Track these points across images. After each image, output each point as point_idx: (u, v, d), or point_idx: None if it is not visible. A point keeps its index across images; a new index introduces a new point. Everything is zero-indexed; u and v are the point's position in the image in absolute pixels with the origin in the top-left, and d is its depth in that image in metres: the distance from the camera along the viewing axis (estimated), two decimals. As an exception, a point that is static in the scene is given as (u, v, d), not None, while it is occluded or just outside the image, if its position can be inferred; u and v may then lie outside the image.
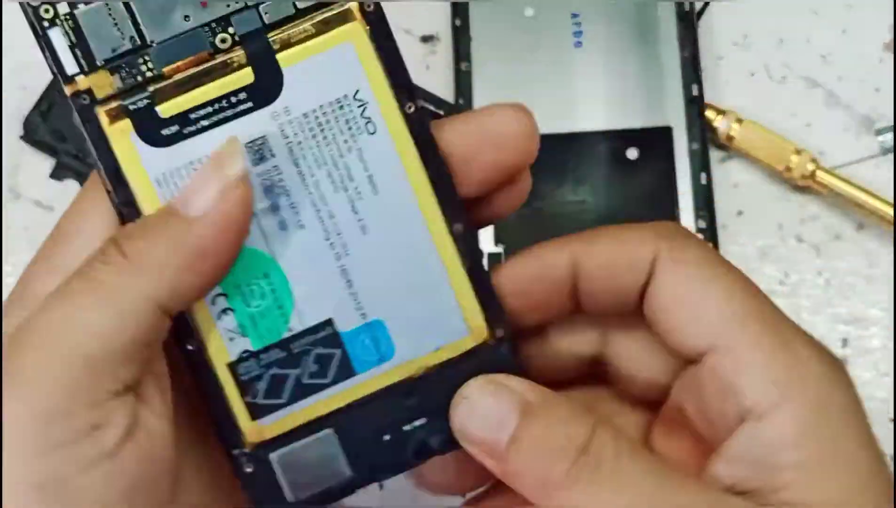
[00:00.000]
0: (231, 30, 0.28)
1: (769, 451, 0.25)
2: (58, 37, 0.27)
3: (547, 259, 0.29)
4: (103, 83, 0.28)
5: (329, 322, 0.29)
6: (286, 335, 0.29)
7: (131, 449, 0.26)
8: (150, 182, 0.28)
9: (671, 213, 0.39)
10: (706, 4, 0.42)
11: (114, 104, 0.28)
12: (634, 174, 0.36)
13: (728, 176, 0.42)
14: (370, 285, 0.29)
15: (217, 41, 0.28)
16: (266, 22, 0.28)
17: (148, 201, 0.28)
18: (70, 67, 0.27)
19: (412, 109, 0.28)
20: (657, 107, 0.40)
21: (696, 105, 0.40)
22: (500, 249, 0.39)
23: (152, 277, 0.26)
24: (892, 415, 0.40)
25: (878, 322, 0.41)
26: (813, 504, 0.24)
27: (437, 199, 0.29)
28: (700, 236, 0.38)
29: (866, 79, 0.43)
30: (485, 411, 0.27)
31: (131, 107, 0.28)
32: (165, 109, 0.28)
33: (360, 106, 0.28)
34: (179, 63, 0.28)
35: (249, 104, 0.28)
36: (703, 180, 0.39)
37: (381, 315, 0.29)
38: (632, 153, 0.39)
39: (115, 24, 0.28)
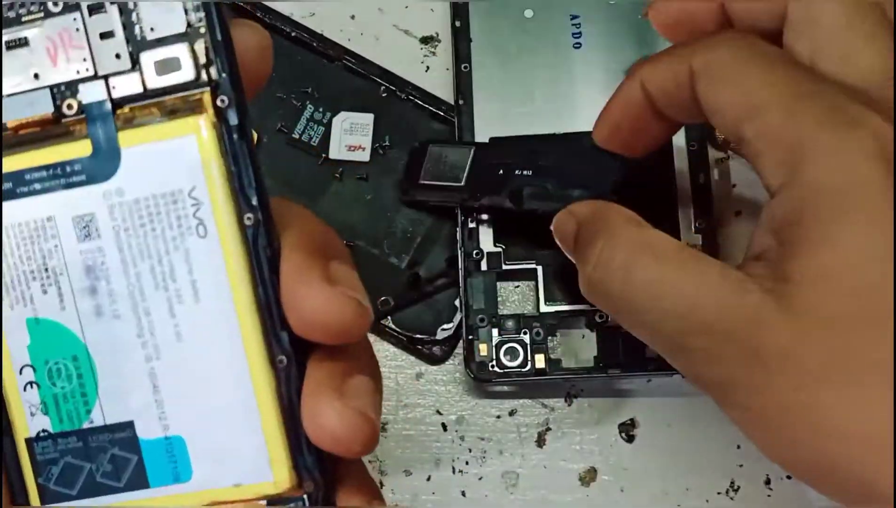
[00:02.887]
0: (79, 96, 0.26)
1: (772, 225, 0.28)
2: None
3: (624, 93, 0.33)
4: None
5: (130, 425, 0.27)
6: (86, 425, 0.28)
7: None
8: None
9: (670, 213, 0.39)
10: (705, 5, 0.42)
11: None
12: (632, 175, 0.35)
13: (727, 176, 0.42)
14: (177, 397, 0.27)
15: (64, 106, 0.26)
16: (113, 96, 0.26)
17: None
18: None
19: (251, 222, 0.26)
20: (656, 107, 0.40)
21: (694, 105, 0.40)
22: (499, 249, 0.39)
23: None
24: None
25: (877, 322, 0.41)
26: (796, 280, 0.26)
27: (261, 325, 0.26)
28: (699, 229, 0.38)
29: (865, 79, 0.43)
30: (560, 236, 0.35)
31: None
32: (4, 165, 0.26)
33: (193, 205, 0.26)
34: (24, 120, 0.26)
35: (83, 177, 0.26)
36: (702, 180, 0.39)
37: (184, 433, 0.27)
38: (631, 153, 0.39)
39: None
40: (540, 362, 0.38)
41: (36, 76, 0.26)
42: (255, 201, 0.26)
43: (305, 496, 0.27)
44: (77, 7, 0.26)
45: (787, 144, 0.27)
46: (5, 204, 0.26)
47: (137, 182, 0.26)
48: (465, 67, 0.41)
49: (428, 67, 0.43)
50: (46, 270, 0.27)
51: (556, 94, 0.40)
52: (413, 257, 0.40)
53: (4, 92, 0.26)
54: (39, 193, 0.26)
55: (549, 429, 0.40)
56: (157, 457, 0.27)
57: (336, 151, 0.41)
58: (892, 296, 0.25)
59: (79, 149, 0.26)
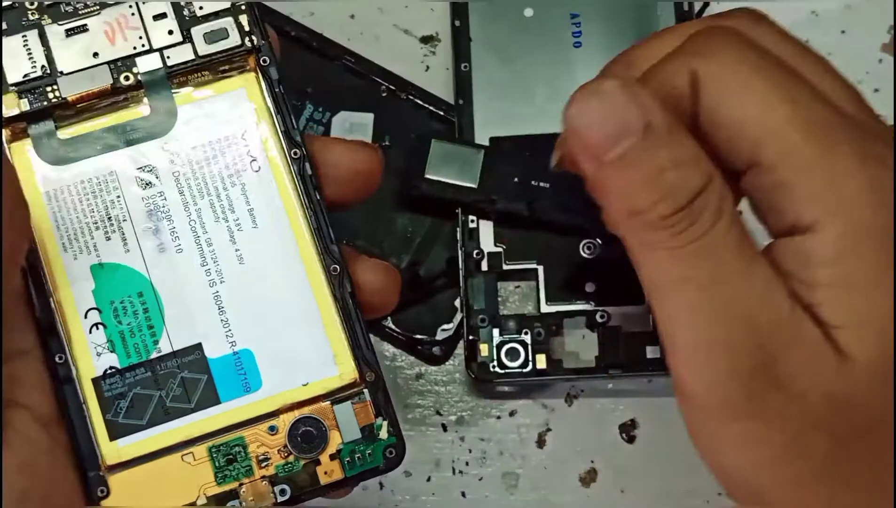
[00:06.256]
0: (135, 69, 0.30)
1: (804, 267, 0.24)
2: None
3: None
4: (11, 104, 0.30)
5: (198, 347, 0.30)
6: (154, 355, 0.30)
7: (8, 458, 0.26)
8: (42, 196, 0.30)
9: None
10: (706, 5, 0.42)
11: (19, 124, 0.30)
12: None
13: (727, 176, 0.42)
14: (242, 315, 0.30)
15: (121, 78, 0.30)
16: (168, 64, 0.30)
17: (36, 213, 0.29)
18: None
19: (297, 155, 0.30)
20: (656, 107, 0.40)
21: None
22: (499, 248, 0.39)
23: None
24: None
25: (878, 322, 0.41)
26: (840, 324, 0.24)
27: (315, 240, 0.30)
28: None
29: (865, 80, 0.43)
30: (608, 114, 0.25)
31: (34, 127, 0.30)
32: (65, 132, 0.30)
33: (245, 145, 0.31)
34: (83, 93, 0.30)
35: (142, 134, 0.30)
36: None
37: (251, 345, 0.30)
38: (631, 153, 0.39)
39: (29, 53, 0.30)
40: (541, 362, 0.38)
41: (95, 55, 0.30)
42: (298, 139, 0.30)
43: (366, 389, 0.30)
44: None
45: (825, 175, 0.24)
46: (67, 166, 0.30)
47: (193, 132, 0.31)
48: (465, 67, 0.41)
49: (428, 67, 0.43)
50: (109, 218, 0.30)
51: (556, 93, 0.40)
52: (413, 257, 0.40)
53: (66, 69, 0.30)
54: (100, 152, 0.30)
55: (549, 430, 0.40)
56: (226, 373, 0.30)
57: (336, 151, 0.41)
58: None
59: (137, 111, 0.30)
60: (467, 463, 0.39)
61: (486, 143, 0.40)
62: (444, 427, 0.40)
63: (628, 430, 0.40)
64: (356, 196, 0.31)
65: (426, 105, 0.41)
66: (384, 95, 0.41)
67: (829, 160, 0.24)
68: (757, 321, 0.24)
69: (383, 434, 0.30)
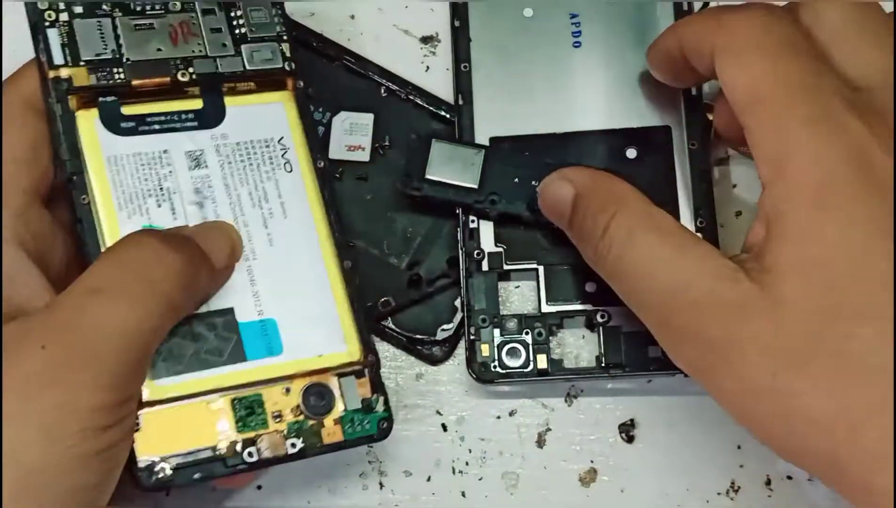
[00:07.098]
0: (191, 69, 0.35)
1: (768, 215, 0.30)
2: (54, 35, 0.34)
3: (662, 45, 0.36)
4: (82, 76, 0.34)
5: (230, 311, 0.34)
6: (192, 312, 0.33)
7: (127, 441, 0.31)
8: (102, 159, 0.34)
9: (670, 213, 0.39)
10: (705, 4, 0.42)
11: (87, 94, 0.34)
12: (633, 174, 0.35)
13: (727, 176, 0.42)
14: (270, 288, 0.35)
15: (178, 74, 0.35)
16: (220, 70, 0.36)
17: (96, 174, 0.34)
18: (58, 58, 0.34)
19: (321, 165, 0.37)
20: (656, 106, 0.40)
21: (695, 105, 0.40)
22: (500, 249, 0.39)
23: (182, 297, 0.31)
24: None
25: (877, 322, 0.41)
26: (786, 265, 0.29)
27: (332, 237, 0.36)
28: (697, 232, 0.38)
29: None
30: (552, 200, 0.36)
31: (101, 99, 0.34)
32: (128, 109, 0.34)
33: (282, 149, 0.36)
34: (145, 80, 0.35)
35: (195, 123, 0.35)
36: (702, 180, 0.39)
37: (276, 316, 0.34)
38: (631, 153, 0.39)
39: (102, 37, 0.34)
40: (542, 362, 0.38)
41: (159, 50, 0.35)
42: (323, 152, 0.37)
43: (367, 368, 0.35)
44: (193, 7, 0.36)
45: (777, 141, 0.29)
46: (127, 138, 0.34)
47: (238, 130, 0.36)
48: (465, 67, 0.41)
49: (428, 67, 0.43)
50: (161, 189, 0.35)
51: (555, 93, 0.40)
52: (413, 257, 0.40)
53: (132, 57, 0.35)
54: (158, 131, 0.35)
55: (549, 429, 0.40)
56: (252, 336, 0.34)
57: (336, 151, 0.41)
58: (862, 289, 0.27)
59: (192, 104, 0.35)
60: (467, 463, 0.39)
61: (486, 143, 0.40)
62: (444, 427, 0.40)
63: (628, 430, 0.40)
64: None
65: (426, 105, 0.41)
66: (384, 95, 0.41)
67: (783, 127, 0.30)
68: (675, 302, 0.31)
69: (379, 408, 0.35)
